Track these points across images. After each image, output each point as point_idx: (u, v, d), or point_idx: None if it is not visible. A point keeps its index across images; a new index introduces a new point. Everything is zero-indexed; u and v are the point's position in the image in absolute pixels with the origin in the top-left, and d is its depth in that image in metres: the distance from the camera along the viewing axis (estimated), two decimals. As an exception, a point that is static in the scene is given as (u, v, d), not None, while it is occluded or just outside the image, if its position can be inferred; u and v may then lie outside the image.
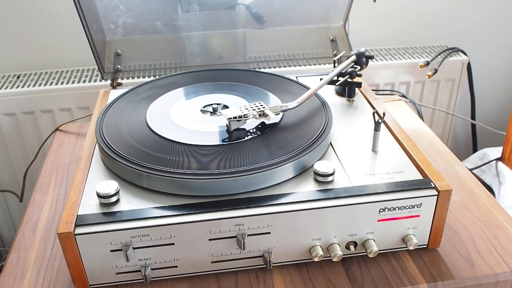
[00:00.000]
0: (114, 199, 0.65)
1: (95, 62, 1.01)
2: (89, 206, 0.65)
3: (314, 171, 0.70)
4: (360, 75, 0.94)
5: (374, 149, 0.78)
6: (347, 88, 0.95)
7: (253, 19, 1.17)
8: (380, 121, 0.76)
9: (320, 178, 0.69)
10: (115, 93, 0.98)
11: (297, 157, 0.70)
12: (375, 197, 0.66)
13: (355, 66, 0.96)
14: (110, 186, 0.65)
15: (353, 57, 0.97)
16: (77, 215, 0.62)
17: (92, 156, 0.76)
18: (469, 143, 1.75)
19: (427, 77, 1.34)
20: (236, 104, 0.86)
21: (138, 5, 1.01)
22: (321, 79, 0.91)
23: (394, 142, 0.80)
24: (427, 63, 1.37)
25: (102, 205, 0.65)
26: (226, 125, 0.78)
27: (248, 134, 0.77)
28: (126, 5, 1.00)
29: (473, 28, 1.58)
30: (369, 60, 0.99)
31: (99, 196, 0.64)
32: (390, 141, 0.80)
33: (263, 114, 0.77)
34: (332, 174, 0.69)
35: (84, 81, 1.26)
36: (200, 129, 0.79)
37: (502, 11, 1.57)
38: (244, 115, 0.76)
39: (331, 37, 1.14)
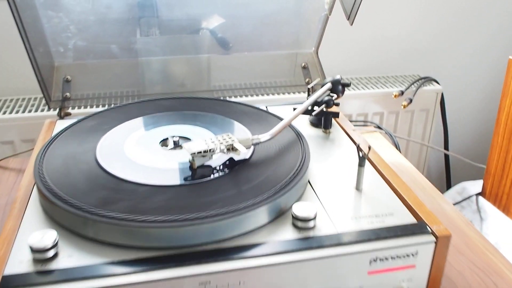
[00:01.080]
0: (51, 253, 0.53)
1: (41, 92, 0.89)
2: (20, 262, 0.53)
3: (292, 215, 0.60)
4: (337, 104, 0.85)
5: (358, 187, 0.69)
6: (323, 118, 0.86)
7: (219, 44, 1.08)
8: (365, 156, 0.67)
9: (299, 224, 0.59)
10: (62, 124, 0.86)
11: (272, 199, 0.60)
12: (365, 246, 0.57)
13: (331, 94, 0.87)
14: (47, 236, 0.54)
15: (329, 85, 0.89)
16: (2, 275, 0.50)
17: (29, 198, 0.64)
18: (442, 175, 1.69)
19: (402, 107, 1.27)
20: (200, 137, 0.76)
21: (91, 26, 0.90)
22: (294, 109, 0.82)
23: (380, 179, 0.71)
24: (402, 93, 1.30)
25: (36, 261, 0.53)
26: (189, 162, 0.68)
27: (215, 171, 0.67)
28: (77, 25, 0.89)
29: (446, 58, 1.53)
30: (345, 88, 0.91)
31: (32, 249, 0.53)
32: (375, 177, 0.72)
33: (232, 148, 0.67)
34: (314, 218, 0.59)
35: (30, 111, 1.13)
36: (159, 166, 0.68)
37: (475, 40, 1.53)
38: (210, 149, 0.66)
39: (303, 64, 1.05)
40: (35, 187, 0.67)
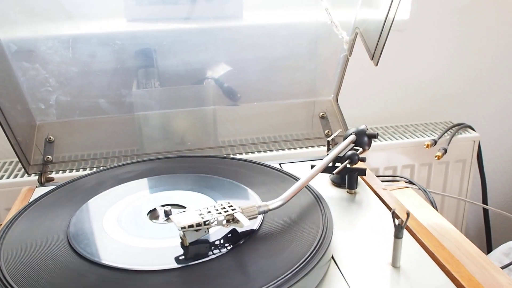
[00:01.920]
0: None
1: (15, 154, 0.77)
2: None
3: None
4: (363, 160, 0.71)
5: (395, 264, 0.54)
6: (347, 176, 0.72)
7: (225, 95, 0.96)
8: (402, 225, 0.52)
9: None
10: (42, 192, 0.73)
11: (288, 284, 0.46)
12: None
13: (355, 148, 0.74)
14: None
15: (353, 137, 0.75)
16: None
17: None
18: (481, 232, 1.51)
19: (436, 158, 1.12)
20: (199, 205, 0.62)
21: (73, 78, 0.79)
22: (312, 167, 0.68)
23: (422, 251, 0.57)
24: (435, 142, 1.15)
25: None
26: (180, 238, 0.54)
27: (213, 248, 0.53)
28: (58, 78, 0.78)
29: (480, 103, 1.39)
30: (372, 140, 0.78)
31: None
32: (416, 250, 0.57)
33: (232, 220, 0.54)
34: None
35: (17, 176, 0.99)
36: (141, 244, 0.55)
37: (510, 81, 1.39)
38: (204, 221, 0.52)
39: (321, 113, 0.92)
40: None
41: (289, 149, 0.91)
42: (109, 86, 0.82)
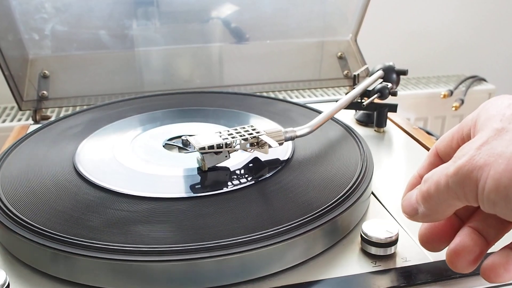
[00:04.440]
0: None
1: (9, 88, 0.69)
2: None
3: (363, 237, 0.39)
4: (394, 94, 0.65)
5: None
6: (375, 113, 0.66)
7: (232, 36, 0.88)
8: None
9: (375, 250, 0.39)
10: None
11: (329, 216, 0.40)
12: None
13: (385, 83, 0.67)
14: None
15: (380, 72, 0.69)
16: None
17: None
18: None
19: (453, 109, 1.06)
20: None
21: (72, 3, 0.71)
22: (336, 101, 0.61)
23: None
24: (451, 93, 1.09)
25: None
26: (198, 161, 0.47)
27: (237, 176, 0.46)
28: (54, 3, 0.70)
29: (493, 54, 1.33)
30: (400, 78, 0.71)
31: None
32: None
33: (256, 144, 0.47)
34: (395, 242, 0.39)
35: (5, 121, 0.92)
36: (156, 173, 0.48)
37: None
38: (226, 143, 0.46)
39: (339, 54, 0.85)
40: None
41: (303, 90, 0.84)
42: (111, 16, 0.74)
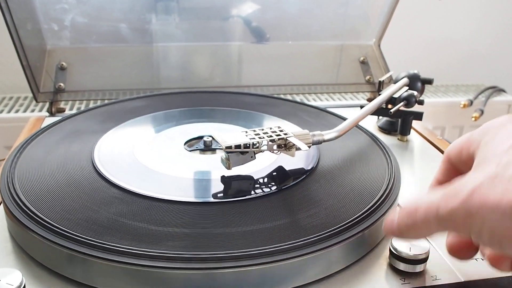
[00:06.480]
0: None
1: (26, 78, 0.68)
2: None
3: (392, 252, 0.37)
4: (421, 102, 0.63)
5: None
6: (400, 120, 0.64)
7: (253, 36, 0.87)
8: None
9: (403, 267, 0.37)
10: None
11: (356, 229, 0.38)
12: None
13: (410, 91, 0.65)
14: (9, 279, 0.33)
15: (406, 80, 0.67)
16: None
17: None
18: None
19: (473, 119, 1.04)
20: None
21: (93, -4, 0.69)
22: (361, 107, 0.60)
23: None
24: (471, 102, 1.07)
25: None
26: (222, 160, 0.46)
27: (257, 186, 0.45)
28: (75, -6, 0.68)
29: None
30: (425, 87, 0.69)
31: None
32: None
33: (284, 146, 0.45)
34: (426, 259, 0.37)
35: (18, 111, 0.90)
36: (176, 174, 0.46)
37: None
38: (253, 143, 0.44)
39: (361, 58, 0.83)
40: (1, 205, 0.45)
41: (322, 94, 0.82)
42: (132, 9, 0.72)
